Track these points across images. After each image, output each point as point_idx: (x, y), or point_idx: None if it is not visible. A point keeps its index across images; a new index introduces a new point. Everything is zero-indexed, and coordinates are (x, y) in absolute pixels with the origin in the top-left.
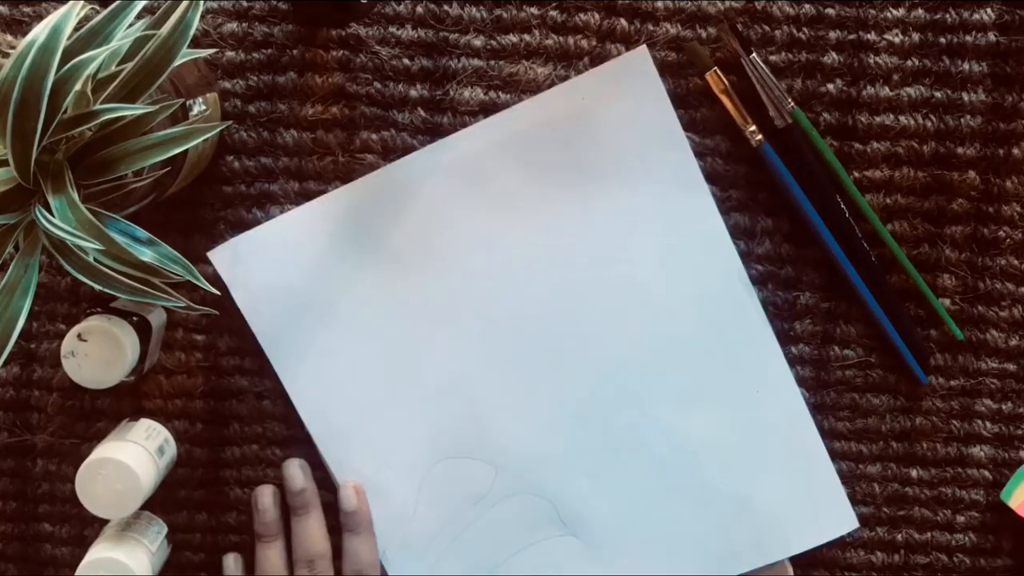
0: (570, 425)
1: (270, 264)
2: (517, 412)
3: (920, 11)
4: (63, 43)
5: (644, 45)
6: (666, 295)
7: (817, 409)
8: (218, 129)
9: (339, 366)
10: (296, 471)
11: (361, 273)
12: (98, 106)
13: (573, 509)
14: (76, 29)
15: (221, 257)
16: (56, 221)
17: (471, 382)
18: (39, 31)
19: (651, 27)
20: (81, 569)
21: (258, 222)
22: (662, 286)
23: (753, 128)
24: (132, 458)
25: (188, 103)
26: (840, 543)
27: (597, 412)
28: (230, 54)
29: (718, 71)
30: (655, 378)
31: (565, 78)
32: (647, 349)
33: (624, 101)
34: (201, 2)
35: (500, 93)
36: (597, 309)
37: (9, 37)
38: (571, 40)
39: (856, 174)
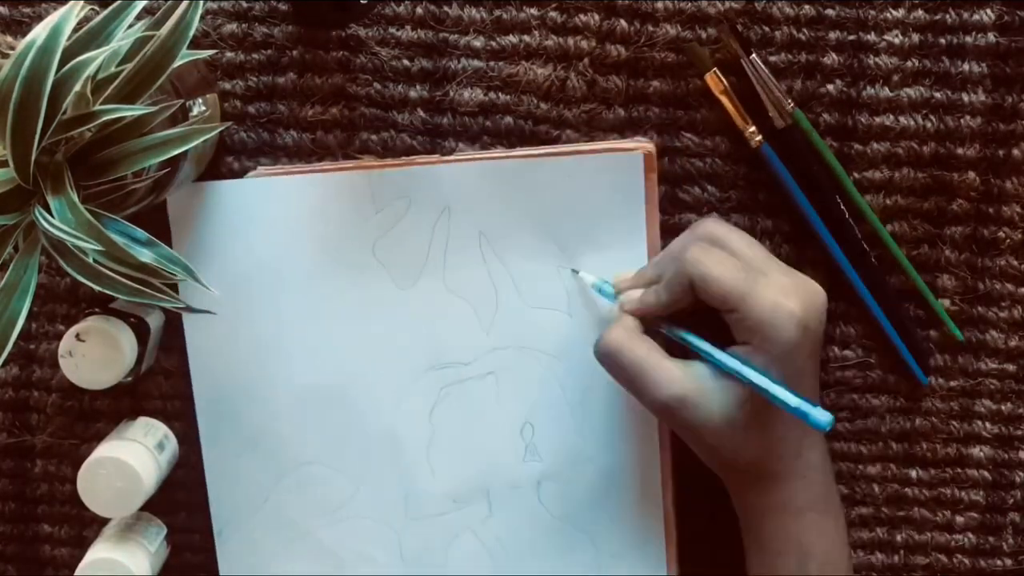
0: (455, 476)
1: (227, 221)
2: (400, 442)
3: (920, 12)
4: (63, 44)
5: (641, 154)
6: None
7: None
8: (218, 130)
9: (246, 335)
10: None
11: (303, 258)
12: (98, 107)
13: (415, 552)
14: (76, 30)
15: (177, 201)
16: (55, 222)
17: (366, 399)
18: (39, 32)
19: (651, 28)
20: (80, 570)
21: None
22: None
23: (753, 129)
24: (131, 455)
25: (188, 104)
26: None
27: (485, 466)
28: (230, 55)
29: (718, 72)
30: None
31: (565, 79)
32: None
33: (605, 192)
34: (201, 3)
35: (500, 94)
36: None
37: (9, 38)
38: (571, 41)
39: (856, 175)
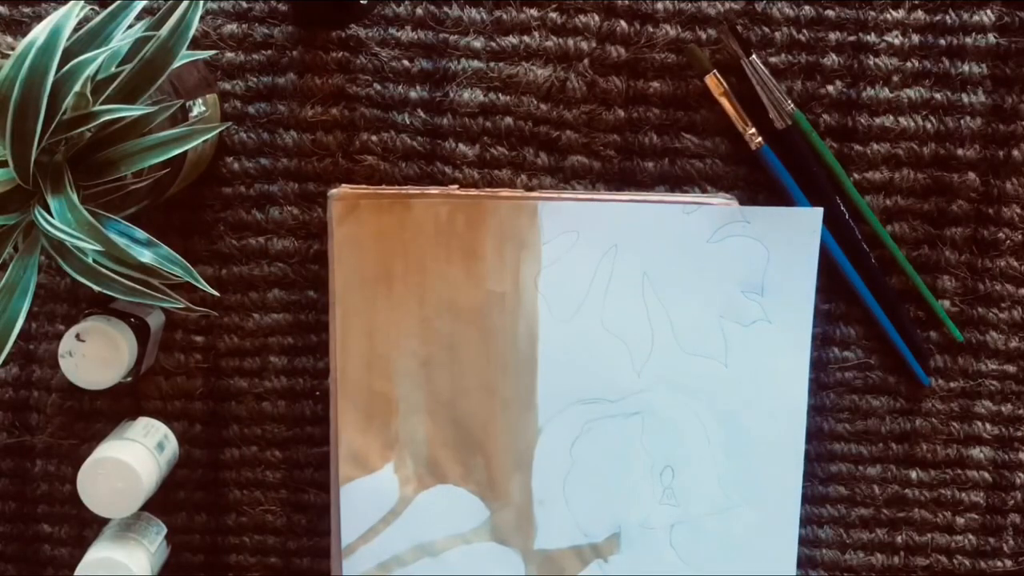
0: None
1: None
2: (539, 471)
3: (920, 12)
4: (63, 44)
5: (821, 209)
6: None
7: (817, 411)
8: (218, 130)
9: (395, 345)
10: None
11: (463, 279)
12: (97, 107)
13: None
14: (76, 30)
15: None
16: (55, 222)
17: (510, 425)
18: (39, 32)
19: (651, 29)
20: (80, 569)
21: (258, 223)
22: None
23: (753, 131)
24: (132, 456)
25: (188, 104)
26: (840, 544)
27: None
28: (230, 55)
29: (717, 74)
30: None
31: (565, 80)
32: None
33: (781, 247)
34: (201, 3)
35: (500, 95)
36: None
37: (9, 38)
38: (571, 42)
39: (856, 175)
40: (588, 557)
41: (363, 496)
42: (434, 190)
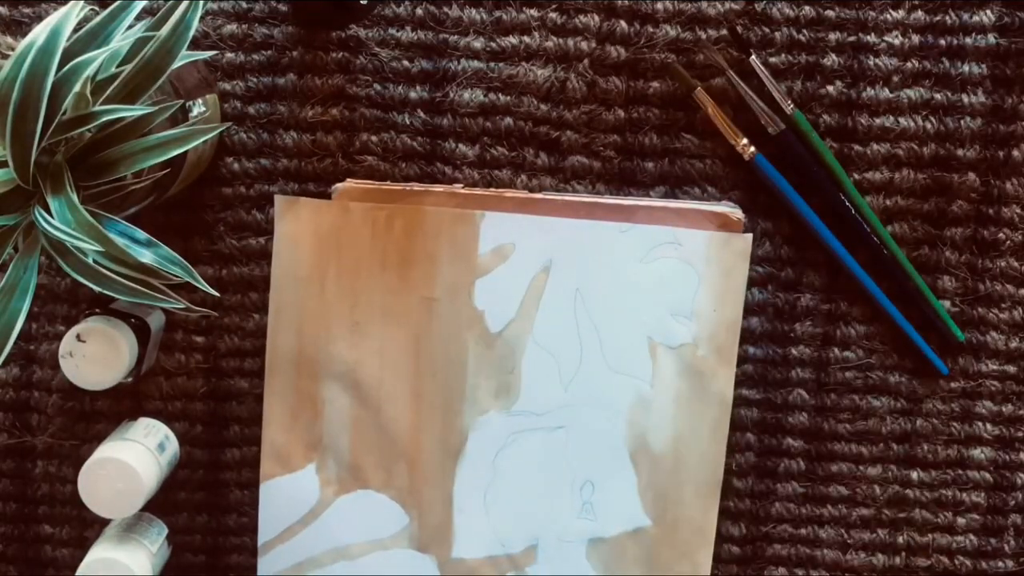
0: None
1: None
2: (461, 480)
3: (920, 13)
4: (62, 44)
5: (751, 235)
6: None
7: (817, 411)
8: (218, 131)
9: (329, 349)
10: None
11: (397, 286)
12: (97, 107)
13: None
14: (75, 30)
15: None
16: (55, 222)
17: (434, 433)
18: (38, 32)
19: (651, 29)
20: (81, 570)
21: (258, 224)
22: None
23: (745, 141)
24: (133, 456)
25: (188, 104)
26: (841, 544)
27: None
28: (230, 56)
29: (702, 92)
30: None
31: (565, 80)
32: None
33: (711, 271)
34: (201, 3)
35: (500, 95)
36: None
37: (9, 39)
38: (571, 42)
39: (856, 176)
40: (505, 568)
41: (282, 495)
42: (438, 188)
